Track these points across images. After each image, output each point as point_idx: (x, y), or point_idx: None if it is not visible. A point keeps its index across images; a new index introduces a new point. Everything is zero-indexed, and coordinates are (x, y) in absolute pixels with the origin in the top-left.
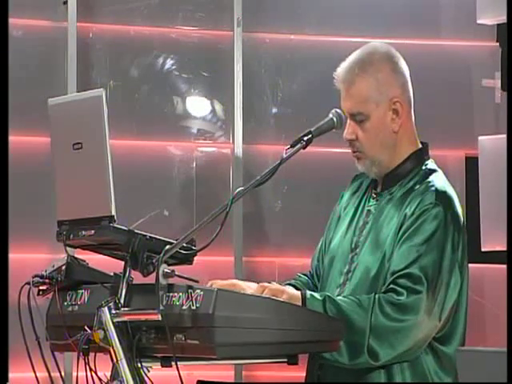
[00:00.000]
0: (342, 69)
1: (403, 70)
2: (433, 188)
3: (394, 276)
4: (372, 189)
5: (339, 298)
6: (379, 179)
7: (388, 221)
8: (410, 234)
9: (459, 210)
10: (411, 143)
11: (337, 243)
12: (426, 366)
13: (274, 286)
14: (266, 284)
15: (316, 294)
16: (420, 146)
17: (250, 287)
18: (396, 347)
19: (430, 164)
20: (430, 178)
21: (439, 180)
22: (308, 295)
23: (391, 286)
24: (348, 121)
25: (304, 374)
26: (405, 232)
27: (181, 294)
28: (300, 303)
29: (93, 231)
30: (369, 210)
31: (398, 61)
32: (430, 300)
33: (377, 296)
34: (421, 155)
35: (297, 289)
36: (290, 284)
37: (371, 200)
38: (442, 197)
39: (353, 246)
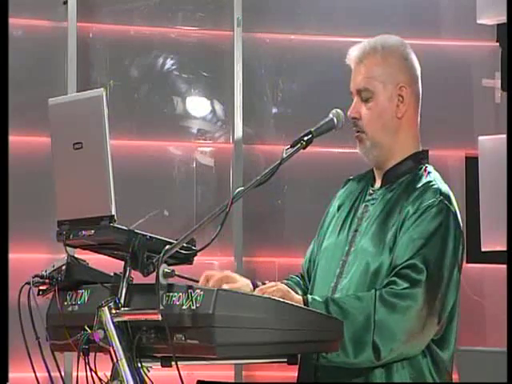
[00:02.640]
0: (354, 48)
1: (414, 63)
2: (435, 186)
3: (397, 268)
4: (369, 186)
5: (340, 297)
6: (377, 173)
7: (388, 217)
8: (412, 230)
9: (458, 211)
10: (414, 141)
11: (333, 240)
12: (424, 367)
13: (276, 287)
14: (263, 287)
15: (317, 297)
16: (421, 149)
17: (243, 280)
18: (396, 335)
19: (430, 167)
20: (431, 178)
21: (439, 181)
22: (310, 299)
23: (393, 278)
24: (354, 99)
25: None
26: (408, 228)
27: (181, 293)
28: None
29: (93, 231)
30: (366, 205)
31: (410, 53)
32: (431, 293)
33: (378, 291)
34: (422, 157)
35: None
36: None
37: (368, 196)
38: (444, 196)
39: (349, 239)
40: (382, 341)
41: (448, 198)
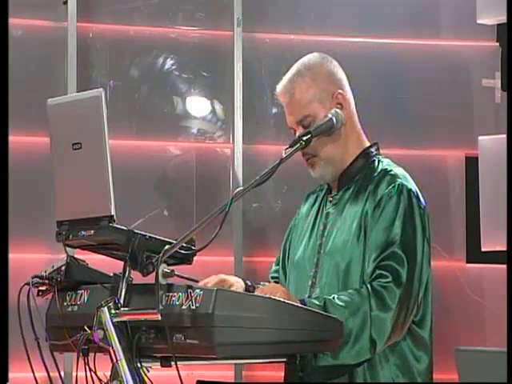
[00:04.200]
0: (280, 85)
1: (337, 68)
2: (391, 172)
3: (378, 260)
4: (327, 194)
5: (337, 298)
6: (333, 183)
7: (350, 213)
8: (381, 219)
9: (416, 188)
10: (359, 139)
11: (301, 254)
12: (406, 350)
13: (279, 291)
14: (265, 288)
15: (315, 300)
16: (368, 144)
17: (239, 282)
18: (389, 328)
19: (381, 157)
20: (385, 165)
21: (392, 165)
22: (307, 302)
23: (377, 271)
24: (297, 132)
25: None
26: (376, 219)
27: (180, 293)
28: None
29: (92, 231)
30: (328, 213)
31: (331, 63)
32: (411, 276)
33: (369, 286)
34: (371, 152)
35: None
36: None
37: (328, 204)
38: (400, 177)
39: (316, 249)
40: (378, 335)
41: (405, 178)
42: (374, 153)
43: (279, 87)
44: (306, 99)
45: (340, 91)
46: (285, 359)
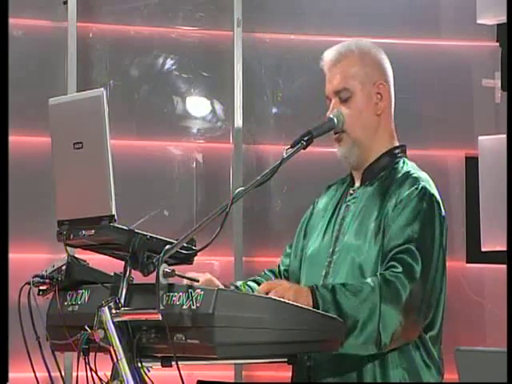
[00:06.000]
0: (328, 52)
1: (387, 64)
2: (414, 175)
3: (392, 253)
4: (349, 187)
5: (347, 285)
6: (356, 174)
7: (370, 210)
8: (400, 218)
9: (438, 195)
10: (390, 137)
11: (317, 246)
12: (414, 354)
13: (281, 286)
14: (271, 283)
15: (324, 288)
16: (397, 144)
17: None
18: (397, 322)
19: (406, 160)
20: (409, 168)
21: (416, 169)
22: (316, 288)
23: (390, 262)
24: (332, 101)
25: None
26: (396, 217)
27: (181, 293)
28: (309, 295)
29: (93, 231)
30: (347, 206)
31: (382, 53)
32: (424, 277)
33: (380, 277)
34: (398, 152)
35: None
36: (253, 280)
37: (348, 197)
38: (424, 181)
39: (333, 240)
40: (384, 328)
41: (428, 183)
42: (400, 154)
43: (326, 53)
44: (348, 72)
45: (383, 82)
46: (285, 359)
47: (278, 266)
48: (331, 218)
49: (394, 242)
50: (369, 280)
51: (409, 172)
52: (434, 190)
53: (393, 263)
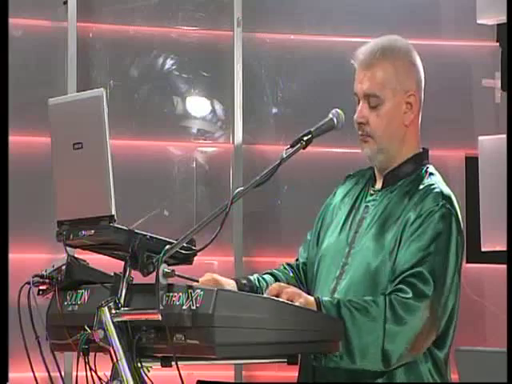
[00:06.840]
0: (362, 51)
1: (420, 68)
2: (437, 190)
3: (403, 275)
4: (370, 186)
5: (352, 301)
6: (379, 175)
7: (389, 219)
8: (417, 236)
9: (459, 211)
10: (416, 144)
11: (333, 240)
12: (423, 370)
13: (291, 289)
14: (282, 285)
15: (329, 299)
16: (421, 149)
17: (229, 283)
18: (405, 344)
19: (431, 168)
20: (432, 181)
21: (440, 183)
22: (323, 301)
23: (400, 285)
24: (361, 103)
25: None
26: (411, 234)
27: (181, 293)
28: (315, 308)
29: (93, 231)
30: (367, 206)
31: (416, 57)
32: (436, 302)
33: (387, 298)
34: (422, 158)
35: (276, 279)
36: (270, 273)
37: (369, 196)
38: (446, 199)
39: (349, 240)
40: (393, 348)
41: (450, 200)
42: (424, 161)
43: (359, 52)
44: (381, 81)
45: (413, 93)
46: (285, 359)
47: (297, 259)
48: (348, 214)
49: (406, 264)
50: (375, 300)
51: (433, 185)
52: (454, 208)
53: (402, 286)
